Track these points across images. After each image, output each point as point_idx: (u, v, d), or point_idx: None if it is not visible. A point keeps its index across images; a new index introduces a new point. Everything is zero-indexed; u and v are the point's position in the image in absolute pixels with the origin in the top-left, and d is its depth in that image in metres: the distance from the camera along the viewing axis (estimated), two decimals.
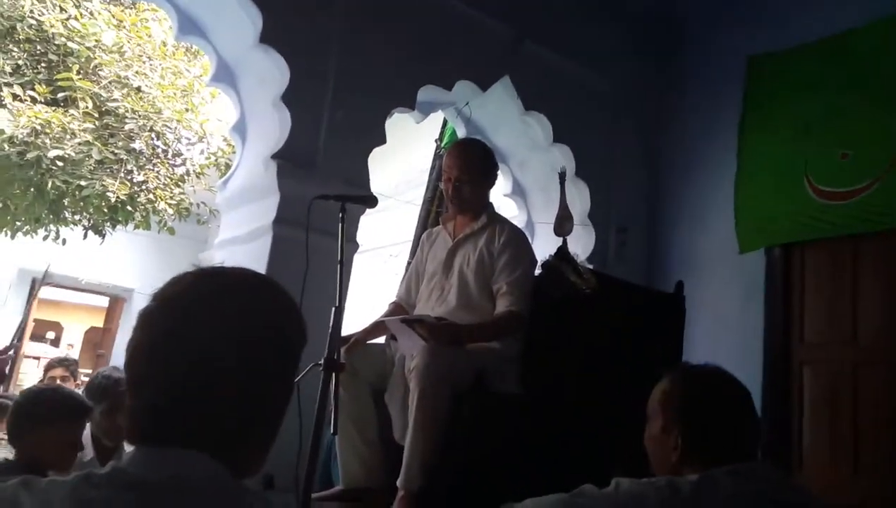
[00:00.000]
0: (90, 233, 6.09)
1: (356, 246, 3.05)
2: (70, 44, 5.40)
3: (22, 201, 5.39)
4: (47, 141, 5.09)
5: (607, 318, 2.54)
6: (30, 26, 5.34)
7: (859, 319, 3.33)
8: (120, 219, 5.79)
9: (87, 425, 2.54)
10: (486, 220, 2.56)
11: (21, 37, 5.37)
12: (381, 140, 3.23)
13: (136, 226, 6.03)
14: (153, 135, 5.72)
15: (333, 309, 1.85)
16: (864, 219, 3.30)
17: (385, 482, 2.26)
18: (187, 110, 5.92)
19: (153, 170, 5.83)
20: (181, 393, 0.75)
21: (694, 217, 4.12)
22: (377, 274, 5.72)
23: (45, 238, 6.08)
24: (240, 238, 3.11)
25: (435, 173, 4.31)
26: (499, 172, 2.79)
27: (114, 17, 5.71)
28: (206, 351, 0.77)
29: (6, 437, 2.57)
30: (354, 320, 2.39)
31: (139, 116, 5.52)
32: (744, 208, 3.82)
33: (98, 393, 2.51)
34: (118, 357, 8.12)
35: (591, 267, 3.04)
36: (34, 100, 5.22)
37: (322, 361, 1.77)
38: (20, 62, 5.38)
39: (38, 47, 5.46)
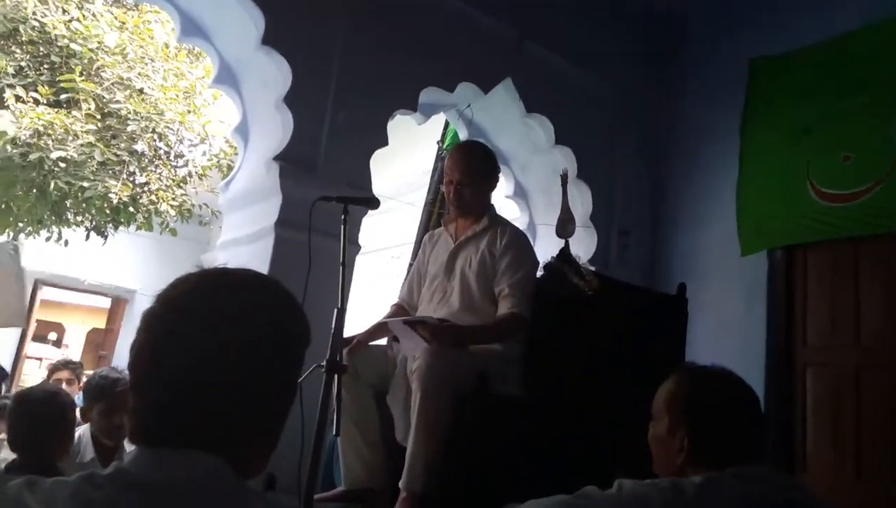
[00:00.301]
0: (92, 234, 6.09)
1: (358, 247, 3.05)
2: (73, 45, 5.41)
3: (24, 202, 5.40)
4: (50, 142, 5.09)
5: (609, 320, 2.54)
6: (33, 28, 5.35)
7: (862, 322, 3.33)
8: (122, 220, 5.79)
9: (87, 425, 2.55)
10: (488, 222, 2.56)
11: (24, 38, 5.38)
12: (383, 142, 3.24)
13: (139, 228, 6.03)
14: (155, 136, 5.72)
15: (336, 310, 1.85)
16: (867, 221, 3.30)
17: (387, 483, 2.26)
18: (189, 112, 5.93)
19: (155, 171, 5.84)
20: (184, 394, 0.75)
21: (696, 219, 4.11)
22: (379, 276, 5.72)
23: (48, 239, 6.08)
24: (242, 239, 3.11)
25: (437, 175, 4.31)
26: (500, 174, 2.79)
27: (116, 18, 5.72)
28: (210, 352, 0.77)
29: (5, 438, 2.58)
30: (356, 322, 2.39)
31: (141, 118, 5.53)
32: (746, 210, 3.82)
33: (96, 393, 2.51)
34: (120, 358, 8.12)
35: (593, 268, 3.04)
36: (37, 102, 5.23)
37: (324, 362, 1.77)
38: (23, 64, 5.39)
39: (41, 49, 5.47)
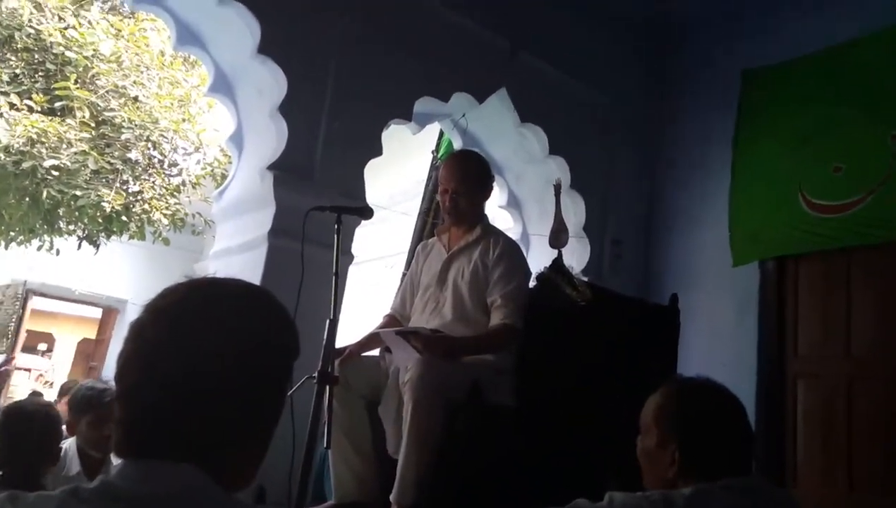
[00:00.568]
0: (84, 243, 6.07)
1: (352, 257, 3.04)
2: (68, 53, 5.41)
3: (16, 211, 5.38)
4: (43, 150, 5.08)
5: (602, 331, 2.54)
6: (28, 35, 5.35)
7: (853, 332, 3.34)
8: (115, 229, 5.77)
9: (73, 438, 2.52)
10: (481, 232, 2.56)
11: (19, 46, 5.37)
12: (378, 151, 3.24)
13: (131, 237, 6.01)
14: (149, 145, 5.72)
15: (328, 320, 1.84)
16: (858, 232, 3.32)
17: (378, 496, 2.24)
18: (184, 120, 5.93)
19: (149, 180, 5.83)
20: (172, 405, 0.75)
21: (689, 229, 4.13)
22: (373, 286, 5.71)
23: (39, 248, 6.06)
24: (235, 249, 3.10)
25: (431, 184, 4.32)
26: (494, 184, 2.79)
27: (112, 26, 5.73)
28: (198, 363, 0.76)
29: None
30: (349, 332, 2.38)
31: (136, 126, 5.53)
32: (738, 221, 3.84)
33: (83, 405, 2.48)
34: (110, 369, 8.01)
35: (586, 279, 3.04)
36: (31, 110, 5.22)
37: (316, 374, 1.76)
38: (18, 71, 5.38)
39: (36, 56, 5.47)
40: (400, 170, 5.62)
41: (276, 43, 3.00)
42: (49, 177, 5.12)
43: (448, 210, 2.56)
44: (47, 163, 5.05)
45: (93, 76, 5.53)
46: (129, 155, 5.56)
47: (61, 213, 5.46)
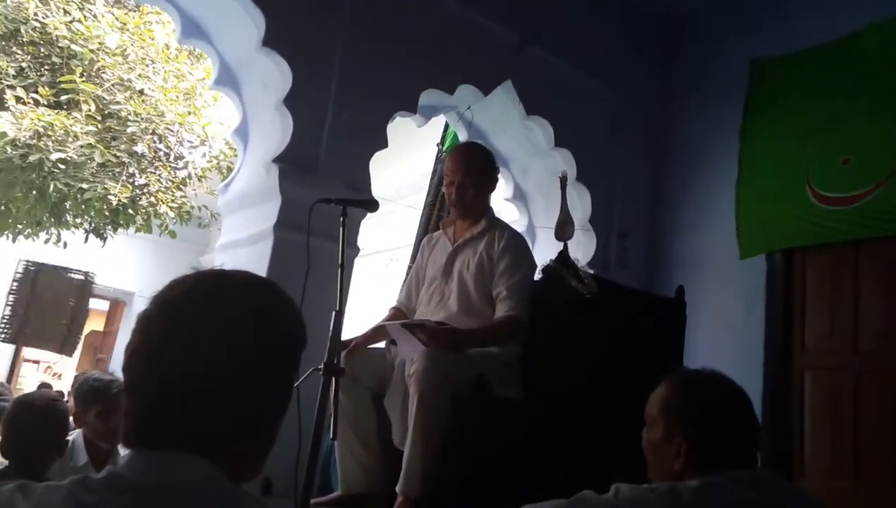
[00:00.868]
0: (91, 236, 6.09)
1: (357, 250, 3.05)
2: (73, 46, 5.42)
3: (24, 204, 5.40)
4: (50, 143, 5.09)
5: (608, 323, 2.54)
6: (34, 29, 5.36)
7: (861, 325, 3.33)
8: (121, 222, 5.79)
9: (79, 430, 2.53)
10: (486, 225, 2.55)
11: (25, 39, 5.38)
12: (383, 144, 3.24)
13: (138, 230, 6.03)
14: (155, 138, 5.73)
15: (334, 313, 1.84)
16: (865, 224, 3.30)
17: (384, 487, 2.25)
18: (190, 113, 5.93)
19: (155, 173, 5.84)
20: (179, 397, 0.75)
21: (695, 222, 4.11)
22: (378, 279, 5.71)
23: (47, 241, 6.08)
24: (241, 241, 3.11)
25: (437, 177, 4.31)
26: (500, 176, 2.79)
27: (117, 19, 5.73)
28: (205, 355, 0.76)
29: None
30: (355, 324, 2.38)
31: (141, 119, 5.53)
32: (745, 213, 3.82)
33: (91, 396, 2.50)
34: (118, 361, 8.10)
35: (591, 271, 3.04)
36: (37, 103, 5.23)
37: (322, 366, 1.76)
38: (24, 64, 5.39)
39: (42, 50, 5.48)
40: (405, 163, 5.61)
41: (281, 36, 3.00)
42: (56, 171, 5.14)
43: (454, 202, 2.56)
44: (54, 157, 5.06)
45: (98, 69, 5.54)
46: (135, 148, 5.57)
47: (68, 206, 5.48)
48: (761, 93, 3.92)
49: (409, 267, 3.24)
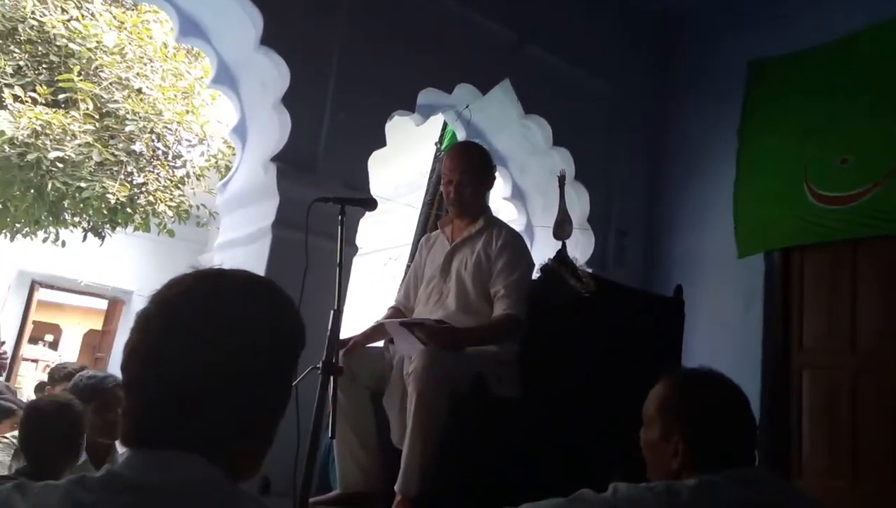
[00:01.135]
0: (89, 235, 6.08)
1: (356, 248, 3.05)
2: (71, 45, 5.40)
3: (22, 203, 5.39)
4: (47, 142, 5.08)
5: (606, 322, 2.54)
6: (31, 27, 5.34)
7: (858, 325, 3.33)
8: (119, 221, 5.78)
9: None
10: (484, 224, 2.56)
11: (22, 38, 5.37)
12: (382, 143, 3.24)
13: (136, 229, 6.02)
14: (153, 136, 5.72)
15: (332, 312, 1.84)
16: (864, 224, 3.30)
17: (383, 486, 2.25)
18: (188, 112, 5.92)
19: (153, 172, 5.83)
20: (177, 396, 0.75)
21: (693, 221, 4.11)
22: (377, 277, 5.71)
23: (45, 240, 6.07)
24: (239, 240, 3.11)
25: (435, 176, 4.31)
26: (498, 176, 2.79)
27: (115, 18, 5.71)
28: (204, 354, 0.76)
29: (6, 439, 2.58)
30: (353, 323, 2.38)
31: (140, 118, 5.52)
32: (743, 212, 3.82)
33: (87, 393, 2.52)
34: (117, 360, 8.06)
35: (590, 270, 3.04)
36: (35, 102, 5.22)
37: (320, 364, 1.76)
38: (21, 63, 5.37)
39: (40, 48, 5.46)
40: (404, 162, 5.61)
41: (278, 34, 2.99)
42: (54, 169, 5.12)
43: (452, 201, 2.56)
44: (52, 155, 5.05)
45: (96, 68, 5.52)
46: (133, 147, 5.56)
47: (66, 205, 5.47)
48: (759, 93, 3.93)
49: (408, 267, 3.25)
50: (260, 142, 3.16)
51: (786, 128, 3.73)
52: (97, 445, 2.50)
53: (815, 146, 3.57)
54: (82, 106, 5.31)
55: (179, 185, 6.07)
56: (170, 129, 5.77)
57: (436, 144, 4.66)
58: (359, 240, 3.08)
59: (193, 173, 6.15)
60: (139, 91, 5.62)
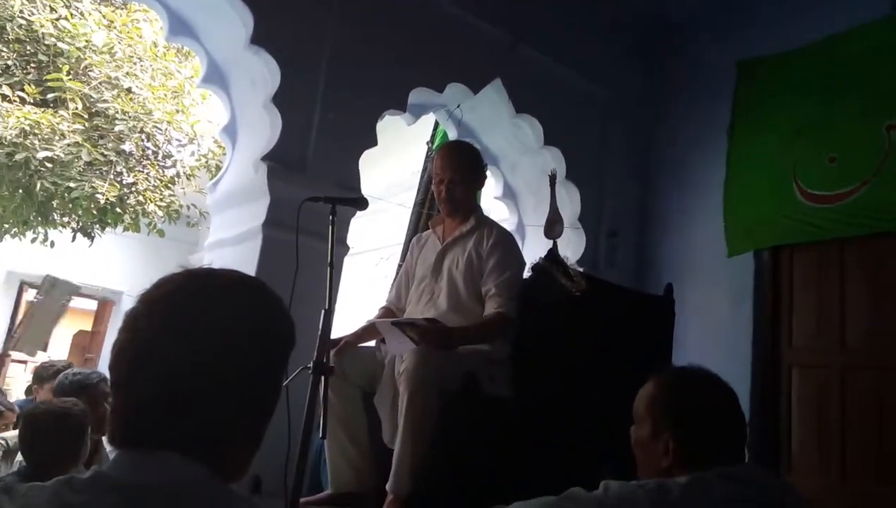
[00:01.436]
0: (79, 235, 6.04)
1: (347, 248, 3.04)
2: (60, 44, 5.36)
3: (10, 203, 5.35)
4: (36, 142, 5.05)
5: (597, 321, 2.55)
6: (20, 26, 5.30)
7: (847, 322, 3.35)
8: (109, 221, 5.75)
9: None
10: (475, 223, 2.56)
11: (11, 37, 5.32)
12: (373, 142, 3.23)
13: (126, 229, 5.99)
14: (143, 136, 5.69)
15: (323, 311, 1.84)
16: (852, 222, 3.33)
17: (374, 486, 2.25)
18: (178, 112, 5.89)
19: (143, 171, 5.80)
20: (167, 396, 0.75)
21: (684, 220, 4.13)
22: (368, 277, 5.70)
23: (34, 240, 6.03)
24: (229, 240, 3.09)
25: (426, 175, 4.30)
26: (490, 175, 2.80)
27: (104, 17, 5.68)
28: (193, 354, 0.76)
29: None
30: (344, 323, 2.38)
31: (129, 118, 5.49)
32: (733, 211, 3.84)
33: (74, 389, 2.53)
34: (106, 361, 8.02)
35: (581, 269, 3.05)
36: (23, 101, 5.18)
37: (311, 364, 1.76)
38: (10, 62, 5.33)
39: (28, 47, 5.42)
40: (395, 161, 5.60)
41: (269, 33, 2.98)
42: (42, 169, 5.09)
43: (445, 199, 2.56)
44: (40, 155, 5.02)
45: (85, 67, 5.49)
46: (122, 146, 5.53)
47: (55, 205, 5.43)
48: (749, 93, 3.95)
49: (399, 266, 3.24)
50: (250, 141, 3.15)
51: (775, 128, 3.75)
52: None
53: (803, 145, 3.60)
54: (71, 105, 5.27)
55: (169, 185, 6.05)
56: (160, 129, 5.74)
57: (427, 144, 4.66)
58: (350, 240, 3.07)
59: (184, 173, 6.13)
60: (129, 90, 5.59)
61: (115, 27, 5.70)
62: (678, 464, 1.28)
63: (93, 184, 5.27)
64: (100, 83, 5.49)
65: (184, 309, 0.79)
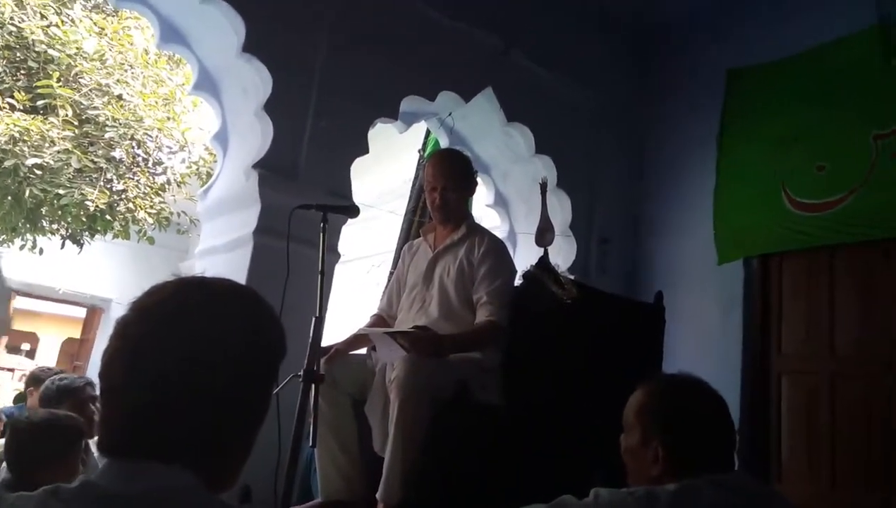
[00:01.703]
0: (68, 242, 6.01)
1: (338, 256, 3.04)
2: (51, 51, 5.35)
3: None
4: (25, 149, 5.03)
5: (588, 328, 2.55)
6: (10, 33, 5.29)
7: (836, 330, 3.38)
8: (98, 228, 5.72)
9: None
10: (466, 231, 2.56)
11: (1, 43, 5.31)
12: (364, 150, 3.24)
13: (115, 236, 5.96)
14: (134, 143, 5.67)
15: (314, 319, 1.84)
16: (840, 230, 3.36)
17: (365, 494, 2.24)
18: (169, 119, 5.88)
19: (133, 178, 5.78)
20: (156, 404, 0.74)
21: (674, 228, 4.15)
22: (359, 285, 5.70)
23: (22, 247, 5.99)
24: (220, 247, 3.08)
25: (418, 183, 4.31)
26: (481, 183, 2.81)
27: (95, 24, 5.67)
28: (183, 362, 0.76)
29: None
30: (335, 331, 2.37)
31: (120, 125, 5.48)
32: (722, 219, 3.87)
33: (60, 394, 2.52)
34: (95, 368, 7.96)
35: (572, 277, 3.05)
36: (13, 108, 5.16)
37: (302, 372, 1.75)
38: (0, 69, 5.32)
39: (18, 54, 5.40)
40: (387, 169, 5.61)
41: (260, 41, 2.99)
42: (32, 176, 5.07)
43: (438, 207, 2.56)
44: (30, 162, 4.99)
45: (76, 74, 5.48)
46: (113, 153, 5.51)
47: (44, 212, 5.40)
48: (738, 102, 3.98)
49: (391, 274, 3.24)
50: (241, 148, 3.15)
51: (764, 136, 3.78)
52: None
53: (792, 154, 3.63)
54: (61, 112, 5.26)
55: (160, 192, 6.03)
56: (150, 136, 5.73)
57: (419, 152, 4.67)
58: (341, 247, 3.07)
59: (174, 180, 6.11)
60: (119, 97, 5.58)
61: (106, 34, 5.69)
62: (668, 472, 1.29)
63: (82, 191, 5.25)
64: (90, 90, 5.48)
65: (175, 318, 0.78)
